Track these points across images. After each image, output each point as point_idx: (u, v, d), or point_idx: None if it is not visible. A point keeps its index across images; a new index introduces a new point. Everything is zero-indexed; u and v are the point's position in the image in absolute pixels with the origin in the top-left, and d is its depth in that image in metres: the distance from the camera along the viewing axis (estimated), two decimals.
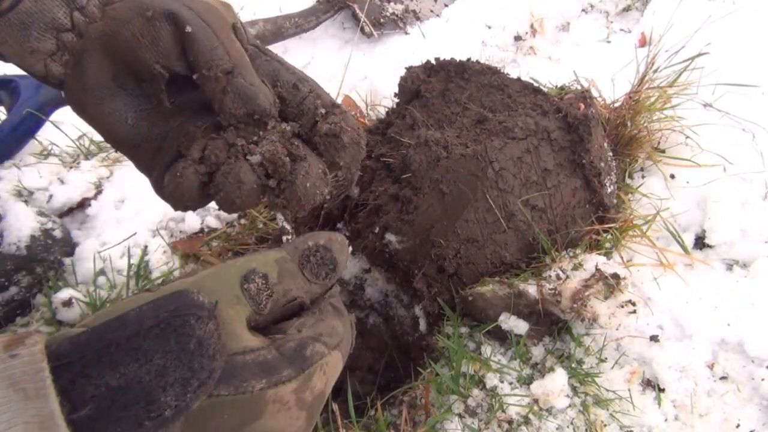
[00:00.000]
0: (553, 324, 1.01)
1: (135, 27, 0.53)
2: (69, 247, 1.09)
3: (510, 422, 0.91)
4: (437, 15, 1.69)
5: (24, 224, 1.03)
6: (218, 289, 0.42)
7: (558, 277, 0.96)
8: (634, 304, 0.96)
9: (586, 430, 0.92)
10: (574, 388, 0.96)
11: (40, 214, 1.08)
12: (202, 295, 0.39)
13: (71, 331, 0.37)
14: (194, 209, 0.57)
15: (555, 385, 0.93)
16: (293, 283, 0.47)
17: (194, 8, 0.54)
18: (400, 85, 1.12)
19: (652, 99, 1.17)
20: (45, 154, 1.27)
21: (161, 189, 0.57)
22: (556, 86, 1.22)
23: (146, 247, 1.10)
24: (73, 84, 0.56)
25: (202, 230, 1.19)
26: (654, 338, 0.99)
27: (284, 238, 0.57)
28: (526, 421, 0.91)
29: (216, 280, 0.43)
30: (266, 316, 0.45)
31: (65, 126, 1.30)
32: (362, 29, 1.59)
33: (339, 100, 1.41)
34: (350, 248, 0.53)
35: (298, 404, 0.42)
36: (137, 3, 0.54)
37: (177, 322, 0.37)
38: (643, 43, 1.54)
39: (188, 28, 0.53)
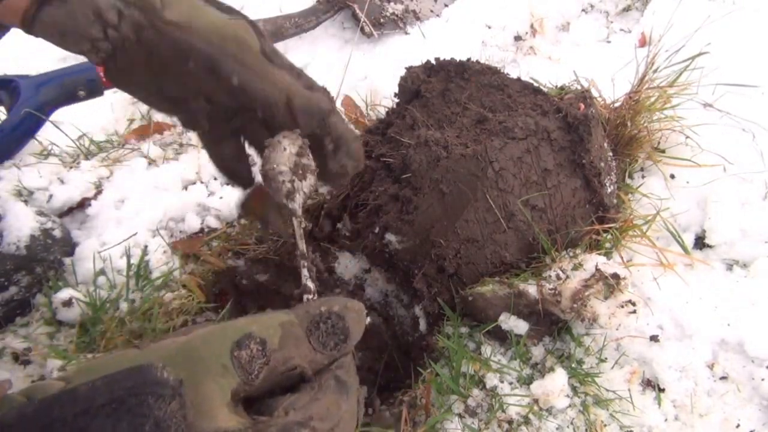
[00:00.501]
0: (553, 324, 1.01)
1: (175, 70, 0.58)
2: (69, 246, 1.09)
3: (510, 422, 0.91)
4: (437, 15, 1.68)
5: (24, 224, 1.03)
6: (207, 357, 0.39)
7: (558, 277, 0.96)
8: (634, 304, 0.96)
9: (586, 430, 0.92)
10: (574, 388, 0.96)
11: (40, 213, 1.08)
12: (167, 371, 0.35)
13: (35, 391, 0.35)
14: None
15: (555, 385, 0.93)
16: (296, 350, 0.43)
17: (230, 53, 0.59)
18: (400, 85, 1.12)
19: (652, 99, 1.17)
20: (45, 154, 1.26)
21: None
22: (556, 86, 1.22)
23: (146, 247, 1.10)
24: (115, 75, 0.61)
25: (202, 230, 1.19)
26: (654, 338, 0.99)
27: (305, 297, 0.55)
28: (526, 421, 0.91)
29: (206, 344, 0.40)
30: (260, 384, 0.41)
31: (65, 126, 1.30)
32: (362, 29, 1.59)
33: (339, 100, 1.41)
34: (368, 318, 0.50)
35: None
36: (176, 46, 0.57)
37: (132, 401, 0.33)
38: (643, 43, 1.54)
39: (233, 80, 0.59)
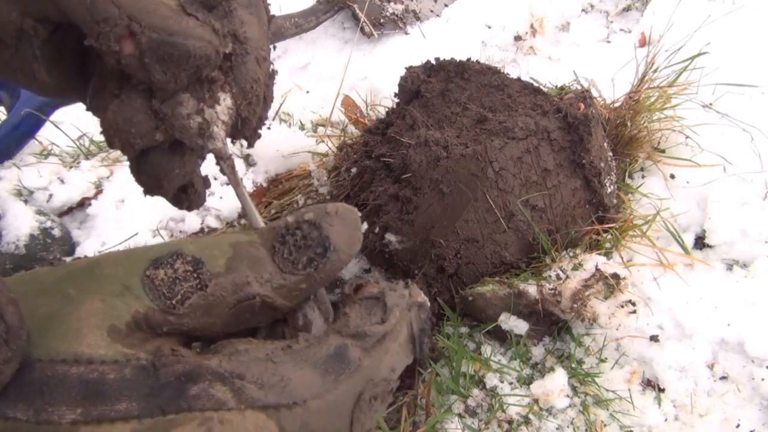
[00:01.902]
0: (553, 324, 1.01)
1: None
2: (68, 246, 1.09)
3: (510, 422, 0.91)
4: (437, 15, 1.68)
5: (23, 223, 1.03)
6: (109, 274, 0.31)
7: (558, 277, 0.96)
8: (634, 304, 0.96)
9: (586, 430, 0.92)
10: (574, 388, 0.96)
11: (39, 213, 1.08)
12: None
13: None
14: (143, 143, 0.42)
15: (555, 385, 0.93)
16: (254, 273, 0.33)
17: None
18: (400, 85, 1.12)
19: (652, 99, 1.17)
20: (45, 154, 1.26)
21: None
22: (556, 86, 1.22)
23: None
24: None
25: (202, 230, 1.19)
26: (654, 338, 0.99)
27: (221, 164, 0.43)
28: (526, 421, 0.91)
29: (117, 263, 0.31)
30: (200, 318, 0.32)
31: (65, 126, 1.30)
32: (362, 29, 1.59)
33: (339, 100, 1.41)
34: (364, 224, 0.37)
35: None
36: None
37: None
38: (643, 43, 1.54)
39: None
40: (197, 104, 0.41)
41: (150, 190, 0.45)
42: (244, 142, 0.46)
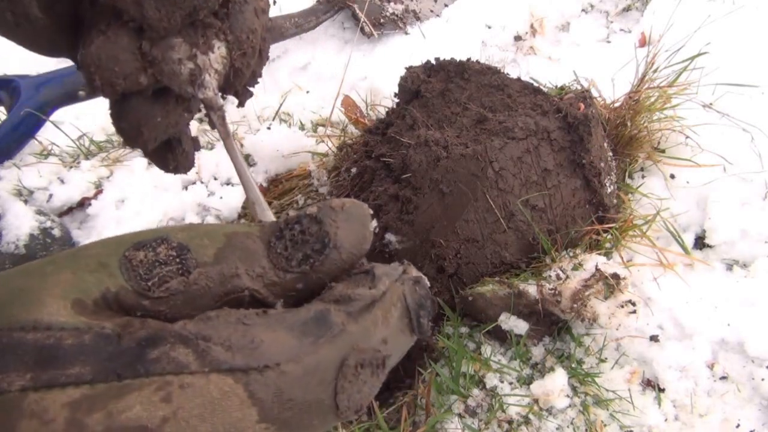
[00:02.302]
0: (553, 324, 1.01)
1: None
2: (68, 245, 1.09)
3: (510, 422, 0.91)
4: (437, 15, 1.68)
5: (23, 223, 1.03)
6: (90, 254, 0.29)
7: (558, 277, 0.96)
8: (634, 304, 0.96)
9: (586, 430, 0.92)
10: (574, 388, 0.96)
11: (39, 213, 1.08)
12: None
13: None
14: (128, 86, 0.40)
15: (555, 385, 0.93)
16: (244, 266, 0.30)
17: None
18: (400, 85, 1.12)
19: (652, 99, 1.17)
20: (45, 154, 1.26)
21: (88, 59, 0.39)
22: (556, 86, 1.22)
23: None
24: None
25: None
26: (654, 338, 0.99)
27: (212, 115, 0.41)
28: (526, 421, 0.91)
29: (104, 244, 0.29)
30: (180, 306, 0.29)
31: (65, 126, 1.30)
32: (362, 29, 1.59)
33: (339, 100, 1.41)
34: (374, 223, 0.33)
35: (72, 428, 0.24)
36: None
37: None
38: (643, 43, 1.54)
39: None
40: (190, 49, 0.39)
41: (129, 139, 0.43)
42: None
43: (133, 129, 0.42)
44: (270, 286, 0.30)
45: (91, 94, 1.16)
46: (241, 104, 0.46)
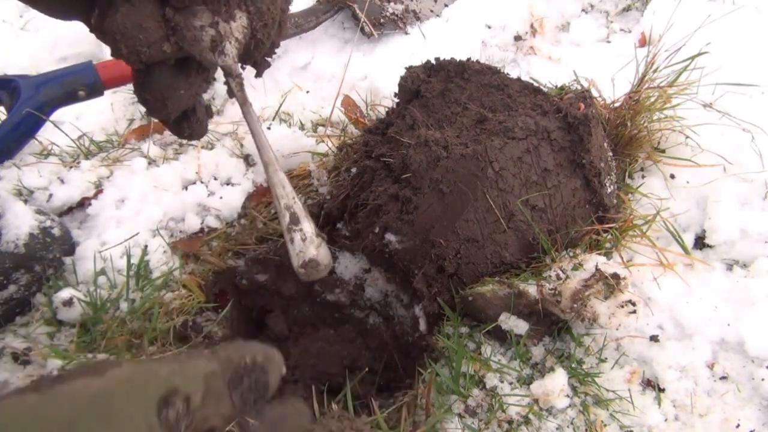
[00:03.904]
0: (553, 324, 1.01)
1: None
2: (68, 245, 1.09)
3: (510, 422, 0.91)
4: (437, 15, 1.68)
5: (22, 222, 1.03)
6: (131, 414, 0.34)
7: (558, 277, 0.96)
8: (634, 304, 0.96)
9: (586, 430, 0.92)
10: (574, 388, 0.96)
11: (39, 212, 1.08)
12: None
13: None
14: (151, 57, 0.40)
15: (555, 385, 0.93)
16: (216, 408, 0.39)
17: None
18: (400, 85, 1.12)
19: (652, 99, 1.17)
20: (45, 154, 1.26)
21: (107, 26, 0.39)
22: (556, 86, 1.22)
23: (146, 247, 1.10)
24: None
25: (202, 230, 1.19)
26: (654, 338, 0.99)
27: (231, 82, 0.43)
28: (526, 421, 0.91)
29: (129, 397, 0.35)
30: None
31: (65, 126, 1.30)
32: (362, 29, 1.59)
33: (339, 100, 1.41)
34: (283, 369, 0.45)
35: None
36: None
37: None
38: (643, 43, 1.54)
39: None
40: (212, 17, 0.40)
41: (153, 110, 0.44)
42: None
43: (157, 101, 0.43)
44: (226, 420, 0.39)
45: (92, 93, 1.16)
46: (259, 74, 0.47)
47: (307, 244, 0.43)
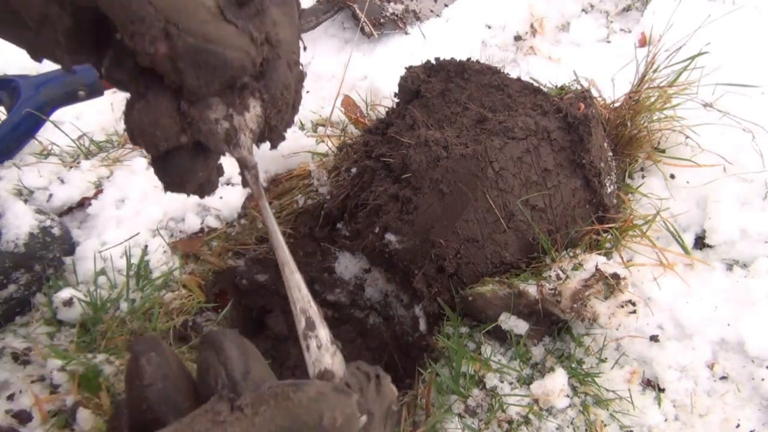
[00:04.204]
0: (553, 324, 1.01)
1: None
2: (68, 245, 1.09)
3: (510, 422, 0.91)
4: (437, 15, 1.68)
5: (22, 222, 1.03)
6: None
7: (558, 277, 0.96)
8: (634, 304, 0.96)
9: (586, 430, 0.92)
10: (574, 388, 0.96)
11: (39, 211, 1.08)
12: None
13: None
14: (167, 146, 0.40)
15: (555, 385, 0.93)
16: None
17: None
18: (400, 85, 1.12)
19: (652, 99, 1.17)
20: (45, 154, 1.26)
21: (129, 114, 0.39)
22: (556, 86, 1.22)
23: (146, 246, 1.10)
24: None
25: (202, 230, 1.19)
26: (654, 338, 0.99)
27: (245, 173, 0.42)
28: (526, 421, 0.91)
29: None
30: None
31: (65, 126, 1.30)
32: (362, 29, 1.59)
33: (339, 100, 1.41)
34: (363, 419, 0.38)
35: None
36: None
37: None
38: (643, 42, 1.54)
39: None
40: (226, 109, 0.40)
41: (172, 188, 0.45)
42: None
43: (176, 183, 0.44)
44: None
45: (92, 94, 1.15)
46: (273, 147, 0.46)
47: (323, 352, 0.41)
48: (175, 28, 0.35)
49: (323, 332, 0.42)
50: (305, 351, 0.42)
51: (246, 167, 0.42)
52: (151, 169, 1.30)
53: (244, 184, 0.44)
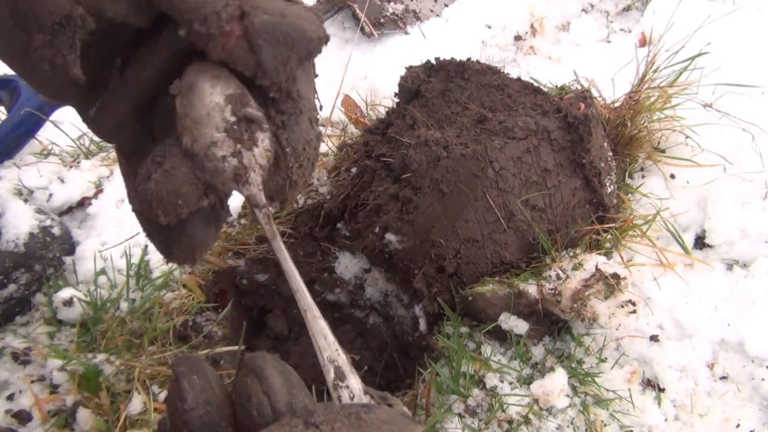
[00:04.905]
0: (553, 324, 1.01)
1: None
2: (68, 244, 1.09)
3: (510, 422, 0.91)
4: (437, 15, 1.68)
5: (22, 221, 1.03)
6: None
7: (558, 277, 0.96)
8: (634, 304, 0.96)
9: (586, 430, 0.92)
10: (574, 388, 0.96)
11: (39, 211, 1.08)
12: None
13: None
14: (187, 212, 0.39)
15: (555, 385, 0.93)
16: None
17: None
18: (400, 85, 1.12)
19: (652, 99, 1.17)
20: (45, 154, 1.26)
21: (141, 187, 0.37)
22: (556, 86, 1.22)
23: (146, 246, 1.10)
24: None
25: None
26: (654, 338, 0.99)
27: (257, 213, 0.40)
28: (526, 420, 0.91)
29: None
30: None
31: (65, 126, 1.30)
32: (362, 29, 1.59)
33: (339, 100, 1.41)
34: None
35: None
36: None
37: None
38: (643, 42, 1.54)
39: None
40: (234, 146, 0.37)
41: (178, 261, 0.42)
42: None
43: (186, 255, 0.42)
44: None
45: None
46: (282, 208, 0.45)
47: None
48: (251, 7, 0.34)
49: (354, 381, 0.39)
50: (336, 403, 0.40)
51: (257, 206, 0.39)
52: None
53: (256, 221, 0.41)
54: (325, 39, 0.38)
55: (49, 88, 0.39)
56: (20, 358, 0.96)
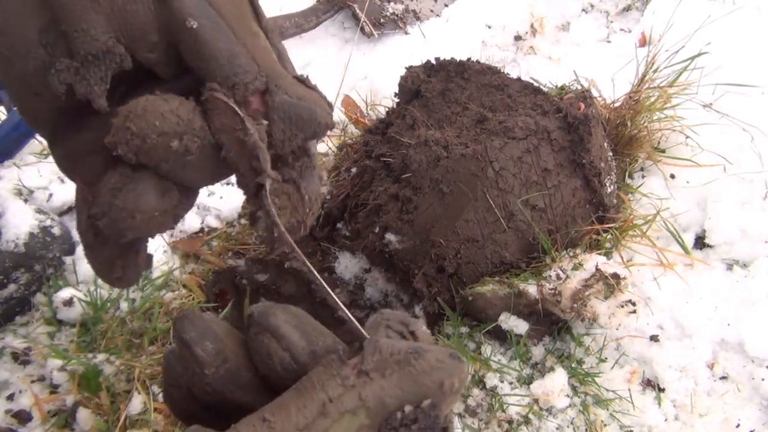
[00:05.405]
0: (553, 324, 1.01)
1: None
2: (68, 244, 1.09)
3: (510, 422, 0.91)
4: (437, 15, 1.68)
5: (22, 221, 1.03)
6: None
7: (558, 277, 0.96)
8: (634, 304, 0.96)
9: (586, 430, 0.92)
10: (574, 388, 0.96)
11: (39, 211, 1.08)
12: None
13: None
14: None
15: (555, 385, 0.93)
16: None
17: None
18: (400, 85, 1.12)
19: (652, 99, 1.17)
20: (45, 154, 1.26)
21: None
22: (556, 86, 1.22)
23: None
24: None
25: (202, 230, 1.19)
26: (654, 338, 0.99)
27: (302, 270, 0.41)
28: (526, 420, 0.91)
29: None
30: None
31: None
32: (362, 29, 1.59)
33: (339, 100, 1.41)
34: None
35: None
36: None
37: None
38: (643, 42, 1.54)
39: (191, 23, 0.35)
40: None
41: (123, 283, 0.44)
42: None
43: (134, 277, 0.44)
44: None
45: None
46: (272, 251, 0.45)
47: None
48: (275, 86, 0.38)
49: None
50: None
51: (271, 235, 0.40)
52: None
53: (303, 274, 0.42)
54: (331, 126, 0.42)
55: (39, 112, 0.38)
56: (20, 358, 0.96)
